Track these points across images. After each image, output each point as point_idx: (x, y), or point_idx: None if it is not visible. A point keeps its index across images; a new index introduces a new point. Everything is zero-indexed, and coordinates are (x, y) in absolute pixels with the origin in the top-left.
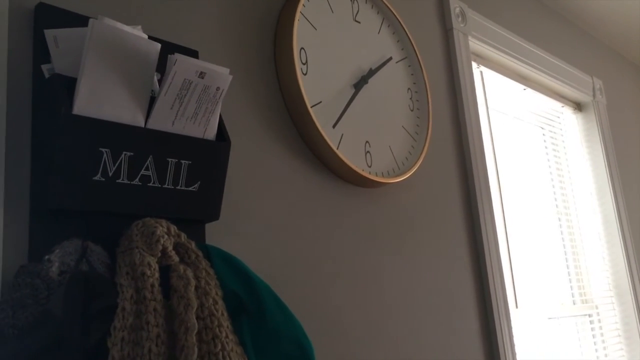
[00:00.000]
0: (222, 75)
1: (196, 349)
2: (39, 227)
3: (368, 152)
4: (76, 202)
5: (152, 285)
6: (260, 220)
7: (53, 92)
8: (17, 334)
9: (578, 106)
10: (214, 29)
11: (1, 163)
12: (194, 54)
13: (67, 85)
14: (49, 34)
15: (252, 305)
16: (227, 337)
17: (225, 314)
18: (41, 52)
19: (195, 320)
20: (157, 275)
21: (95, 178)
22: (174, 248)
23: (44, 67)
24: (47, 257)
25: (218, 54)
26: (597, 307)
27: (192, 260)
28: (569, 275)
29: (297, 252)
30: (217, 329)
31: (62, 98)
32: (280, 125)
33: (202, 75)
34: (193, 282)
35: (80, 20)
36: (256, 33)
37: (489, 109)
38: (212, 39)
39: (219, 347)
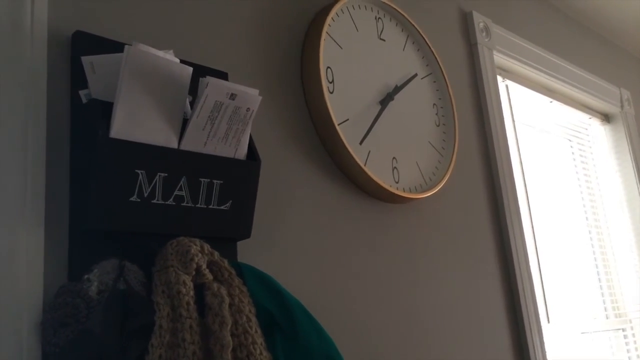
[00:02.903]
0: (252, 96)
1: None
2: (77, 248)
3: (395, 168)
4: (114, 223)
5: (188, 303)
6: (290, 238)
7: (91, 116)
8: (58, 353)
9: (606, 117)
10: (241, 50)
11: (42, 185)
12: (224, 76)
13: (104, 110)
14: (86, 60)
15: (285, 322)
16: (260, 354)
17: (259, 331)
18: (78, 78)
19: (230, 338)
20: (192, 293)
21: (132, 199)
22: (208, 266)
23: (82, 93)
24: (86, 276)
25: (246, 75)
26: (631, 322)
27: (225, 278)
28: (601, 289)
29: (326, 269)
30: (252, 346)
31: (99, 122)
32: (308, 144)
33: (232, 96)
34: (227, 300)
35: (115, 47)
36: (283, 53)
37: (516, 123)
38: (240, 61)
39: None
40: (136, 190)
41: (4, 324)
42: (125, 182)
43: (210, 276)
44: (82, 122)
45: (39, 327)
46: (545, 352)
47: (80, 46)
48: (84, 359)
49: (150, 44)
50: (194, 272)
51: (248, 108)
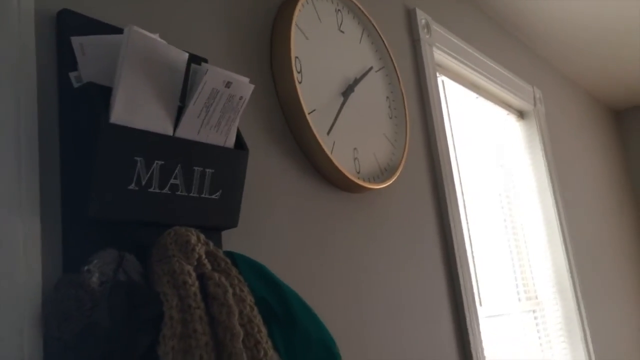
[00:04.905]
0: (245, 84)
1: (245, 355)
2: (72, 238)
3: (356, 158)
4: (113, 212)
5: (195, 294)
6: (257, 226)
7: (89, 101)
8: (62, 347)
9: (521, 114)
10: (209, 40)
11: (36, 173)
12: (204, 61)
13: (101, 94)
14: (76, 41)
15: (282, 311)
16: (267, 342)
17: (261, 319)
18: (65, 59)
19: (239, 327)
20: (197, 283)
21: (130, 187)
22: (205, 256)
23: (72, 75)
24: (86, 267)
25: (215, 64)
26: (540, 304)
27: (223, 268)
28: (515, 273)
29: (290, 255)
30: (258, 335)
31: (99, 107)
32: (277, 132)
33: (228, 85)
34: (230, 289)
35: (101, 27)
36: (251, 42)
37: (450, 118)
38: (209, 51)
39: (262, 353)
40: (134, 179)
41: (4, 317)
42: (124, 170)
43: (209, 266)
44: (74, 105)
45: (40, 320)
46: (480, 332)
47: (66, 25)
48: (92, 353)
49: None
50: (195, 262)
51: (241, 97)
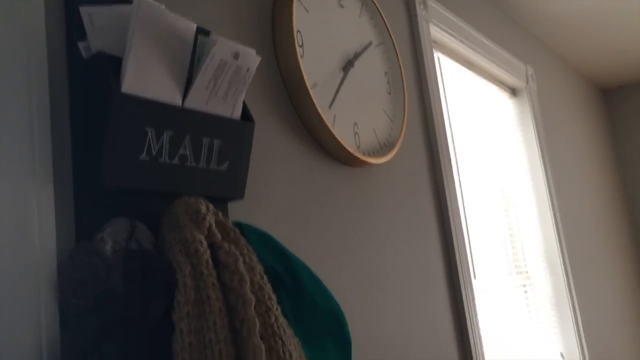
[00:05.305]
0: (253, 56)
1: (257, 321)
2: (84, 206)
3: (357, 133)
4: (125, 181)
5: (207, 262)
6: (260, 198)
7: (99, 70)
8: (78, 313)
9: (513, 92)
10: (212, 13)
11: (48, 141)
12: (207, 34)
13: (112, 64)
14: (84, 11)
15: (290, 280)
16: (277, 309)
17: (271, 287)
18: (74, 29)
19: (251, 294)
20: (209, 252)
21: (141, 157)
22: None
23: (81, 45)
24: (99, 235)
25: (221, 34)
26: (530, 278)
27: (232, 238)
28: (506, 248)
29: (292, 227)
30: (269, 302)
31: (110, 76)
32: (279, 106)
33: (236, 56)
34: (240, 258)
35: None
36: (253, 15)
37: (446, 94)
38: (211, 23)
39: (273, 318)
40: (145, 149)
41: (20, 283)
42: (135, 140)
43: (219, 235)
44: (84, 75)
45: (55, 287)
46: (475, 304)
47: None
48: (107, 319)
49: None
50: (206, 232)
51: (248, 68)
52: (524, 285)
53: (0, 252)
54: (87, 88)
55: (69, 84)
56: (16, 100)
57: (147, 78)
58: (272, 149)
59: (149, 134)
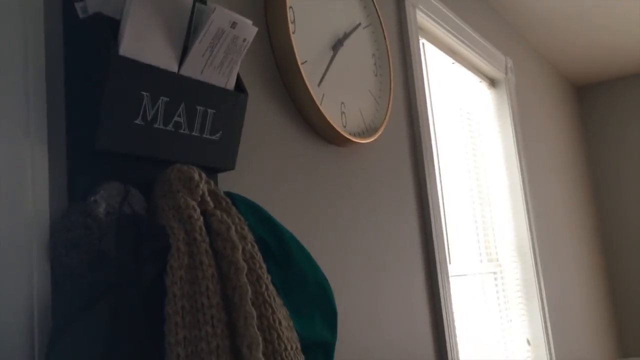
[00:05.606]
0: (249, 26)
1: (249, 288)
2: (77, 169)
3: (343, 112)
4: (119, 145)
5: (200, 228)
6: (245, 171)
7: (96, 31)
8: (70, 275)
9: (492, 82)
10: None
11: (43, 101)
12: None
13: (109, 26)
14: None
15: (279, 250)
16: (267, 277)
17: (261, 256)
18: None
19: (243, 262)
20: (202, 218)
21: (137, 122)
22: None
23: (78, 5)
24: (92, 198)
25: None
26: (501, 266)
27: (224, 207)
28: (478, 236)
29: (276, 203)
30: (260, 270)
31: (108, 38)
32: (269, 81)
33: (234, 25)
34: (232, 226)
35: None
36: None
37: (429, 80)
38: None
39: (264, 287)
40: (141, 113)
41: (13, 243)
42: (131, 104)
43: (212, 204)
44: (80, 36)
45: (48, 247)
46: (450, 288)
47: None
48: (99, 282)
49: None
50: (199, 199)
51: (244, 39)
52: (494, 273)
53: None
54: (82, 49)
55: (64, 44)
56: (11, 60)
57: (144, 42)
58: (259, 123)
59: (145, 98)
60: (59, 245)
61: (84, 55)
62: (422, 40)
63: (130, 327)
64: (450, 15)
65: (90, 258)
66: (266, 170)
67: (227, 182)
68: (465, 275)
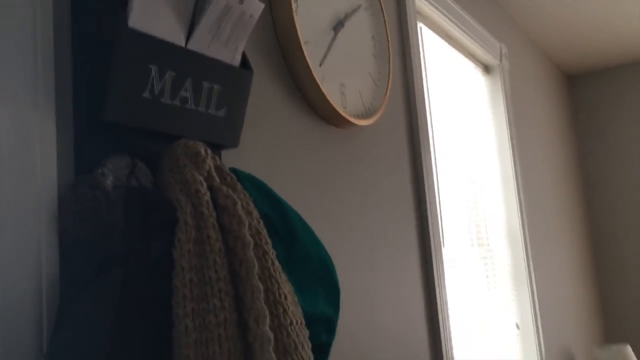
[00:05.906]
0: (256, 3)
1: (256, 262)
2: (84, 141)
3: (343, 93)
4: (127, 118)
5: (207, 202)
6: (246, 149)
7: (106, 3)
8: (79, 247)
9: (487, 68)
10: None
11: (51, 73)
12: None
13: None
14: None
15: (283, 227)
16: (273, 253)
17: (266, 232)
18: None
19: (250, 237)
20: (209, 193)
21: (144, 95)
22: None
23: None
24: (100, 170)
25: None
26: (491, 251)
27: (229, 183)
28: (470, 221)
29: (271, 180)
30: (265, 246)
31: (119, 10)
32: (271, 60)
33: (241, 1)
34: (239, 202)
35: None
36: None
37: (426, 65)
38: None
39: (270, 262)
40: (148, 87)
41: (21, 214)
42: (139, 77)
43: (217, 179)
44: (87, 9)
45: (56, 219)
46: (444, 271)
47: None
48: (108, 254)
49: None
50: (205, 174)
51: (251, 15)
52: (485, 257)
53: (2, 181)
54: (91, 21)
55: (72, 16)
56: (20, 32)
57: (153, 15)
58: (261, 102)
59: (153, 72)
60: (67, 217)
61: (93, 27)
62: (420, 24)
63: (139, 299)
64: (448, 0)
65: (98, 230)
66: (267, 149)
67: (228, 158)
68: (457, 258)
